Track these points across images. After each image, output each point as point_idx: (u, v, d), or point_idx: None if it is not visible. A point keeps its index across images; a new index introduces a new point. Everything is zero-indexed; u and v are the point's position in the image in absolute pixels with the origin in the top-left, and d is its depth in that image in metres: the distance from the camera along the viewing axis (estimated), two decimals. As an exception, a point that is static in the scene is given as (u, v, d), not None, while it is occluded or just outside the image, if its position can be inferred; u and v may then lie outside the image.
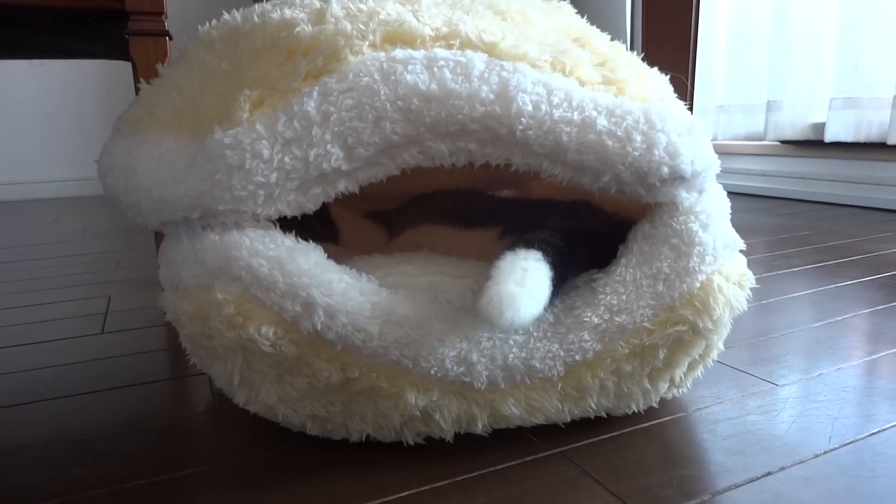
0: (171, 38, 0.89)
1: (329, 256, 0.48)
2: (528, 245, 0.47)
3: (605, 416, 0.55)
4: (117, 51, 1.06)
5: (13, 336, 0.84)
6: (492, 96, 0.45)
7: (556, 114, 0.45)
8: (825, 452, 0.49)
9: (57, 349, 0.78)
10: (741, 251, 0.55)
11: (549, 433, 0.53)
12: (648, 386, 0.53)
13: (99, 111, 2.75)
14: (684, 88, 0.90)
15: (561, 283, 0.49)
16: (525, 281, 0.42)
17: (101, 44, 1.07)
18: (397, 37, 0.46)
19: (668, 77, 0.56)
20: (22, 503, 0.46)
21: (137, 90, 0.55)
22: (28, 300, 1.02)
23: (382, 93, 0.44)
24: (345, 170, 0.45)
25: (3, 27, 0.94)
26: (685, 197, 0.50)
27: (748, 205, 1.85)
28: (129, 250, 1.44)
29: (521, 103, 0.45)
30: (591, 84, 0.48)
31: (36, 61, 2.60)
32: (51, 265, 1.30)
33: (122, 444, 0.54)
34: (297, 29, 0.46)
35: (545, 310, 0.50)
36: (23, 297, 1.05)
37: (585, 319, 0.50)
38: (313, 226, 0.58)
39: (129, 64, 0.88)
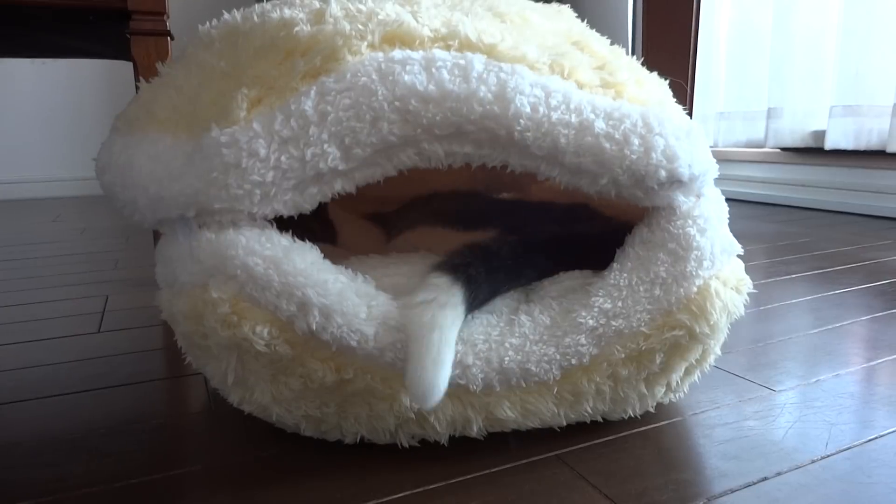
0: (172, 38, 0.89)
1: (326, 257, 0.48)
2: (451, 271, 0.48)
3: (602, 420, 0.54)
4: (118, 50, 1.06)
5: (10, 334, 0.84)
6: (490, 97, 0.45)
7: (555, 116, 0.45)
8: (822, 458, 0.49)
9: (53, 347, 0.78)
10: (739, 256, 0.55)
11: (544, 436, 0.53)
12: (645, 390, 0.53)
13: (100, 111, 2.75)
14: (684, 93, 0.90)
15: (490, 296, 0.51)
16: (441, 355, 0.43)
17: (102, 43, 1.07)
18: (396, 37, 0.46)
19: (668, 82, 0.56)
20: (14, 500, 0.46)
21: (138, 90, 0.55)
22: (26, 298, 1.02)
23: (380, 93, 0.44)
24: (341, 170, 0.45)
25: (5, 26, 0.94)
26: (683, 201, 0.50)
27: (748, 211, 1.85)
28: (128, 250, 1.44)
29: (519, 105, 0.45)
30: (589, 87, 0.48)
31: (37, 60, 2.60)
32: (49, 264, 1.30)
33: (116, 443, 0.54)
34: (296, 29, 0.46)
35: (540, 313, 0.50)
36: (21, 295, 1.04)
37: (582, 323, 0.49)
38: (311, 226, 0.58)
39: (131, 63, 0.88)
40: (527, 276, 0.54)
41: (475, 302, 0.48)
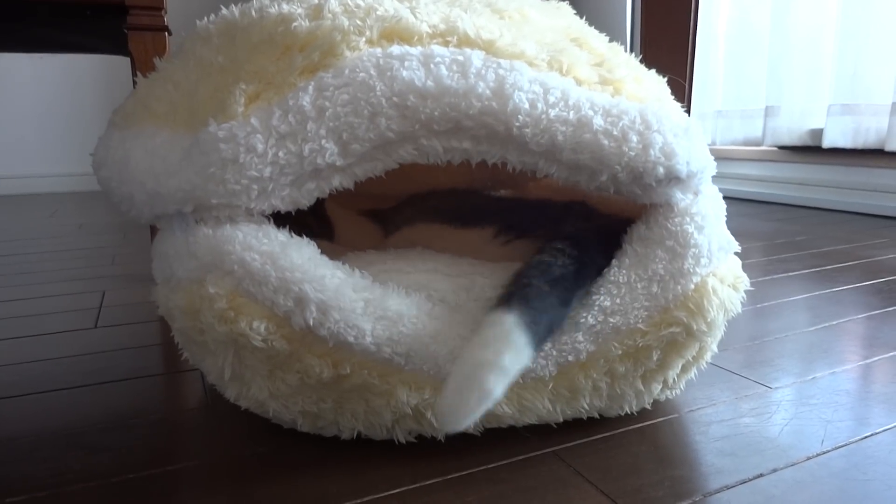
0: (169, 34, 0.89)
1: (323, 253, 0.48)
2: (513, 305, 0.44)
3: (598, 416, 0.55)
4: (116, 45, 1.06)
5: (6, 329, 0.84)
6: (488, 93, 0.44)
7: (553, 112, 0.45)
8: (817, 455, 0.49)
9: (50, 343, 0.78)
10: (736, 254, 0.55)
11: (541, 432, 0.53)
12: (641, 387, 0.53)
13: (97, 106, 2.74)
14: (682, 91, 0.91)
15: (566, 305, 0.48)
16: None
17: (99, 38, 1.07)
18: (394, 33, 0.46)
19: (666, 80, 0.56)
20: (11, 495, 0.46)
21: (135, 85, 0.55)
22: (22, 294, 1.02)
23: (378, 88, 0.44)
24: (339, 165, 0.45)
25: (2, 20, 0.94)
26: (680, 198, 0.50)
27: (745, 210, 1.86)
28: (125, 245, 1.44)
29: (517, 101, 0.45)
30: (588, 84, 0.48)
31: (35, 55, 2.59)
32: (46, 259, 1.29)
33: (113, 438, 0.54)
34: (294, 24, 0.46)
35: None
36: (17, 290, 1.04)
37: (580, 320, 0.49)
38: (308, 223, 0.58)
39: (128, 59, 0.88)
40: (590, 275, 0.51)
41: (540, 327, 0.44)
